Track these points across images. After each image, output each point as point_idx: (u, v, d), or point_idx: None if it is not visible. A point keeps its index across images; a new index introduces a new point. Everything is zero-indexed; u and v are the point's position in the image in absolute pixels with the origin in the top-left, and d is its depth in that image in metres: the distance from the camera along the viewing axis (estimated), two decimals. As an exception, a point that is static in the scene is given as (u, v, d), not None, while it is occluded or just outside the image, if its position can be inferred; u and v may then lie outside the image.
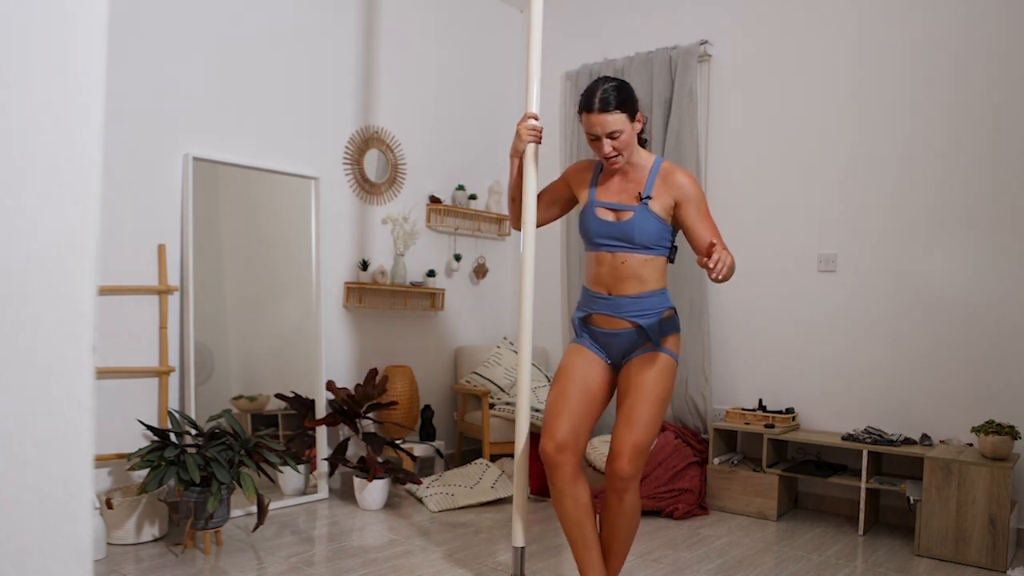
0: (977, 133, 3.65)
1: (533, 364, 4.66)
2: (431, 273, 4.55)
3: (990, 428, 3.28)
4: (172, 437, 3.15)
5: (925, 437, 3.63)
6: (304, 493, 3.78)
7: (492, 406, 4.31)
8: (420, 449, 4.22)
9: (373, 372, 3.87)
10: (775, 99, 4.23)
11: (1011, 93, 3.57)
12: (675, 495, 3.82)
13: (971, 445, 3.57)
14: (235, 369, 3.67)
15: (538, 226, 2.71)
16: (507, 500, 3.91)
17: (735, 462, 3.99)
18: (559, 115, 5.00)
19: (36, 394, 0.80)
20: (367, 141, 4.28)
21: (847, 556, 3.28)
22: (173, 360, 3.43)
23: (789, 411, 4.04)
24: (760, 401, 4.12)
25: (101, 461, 3.19)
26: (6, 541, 0.79)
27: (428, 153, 4.64)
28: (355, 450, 4.18)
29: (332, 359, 4.10)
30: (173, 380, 3.44)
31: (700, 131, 4.41)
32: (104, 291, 3.21)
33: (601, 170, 2.54)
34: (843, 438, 3.71)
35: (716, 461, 3.96)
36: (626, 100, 2.38)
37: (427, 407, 4.37)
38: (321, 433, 3.86)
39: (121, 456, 3.20)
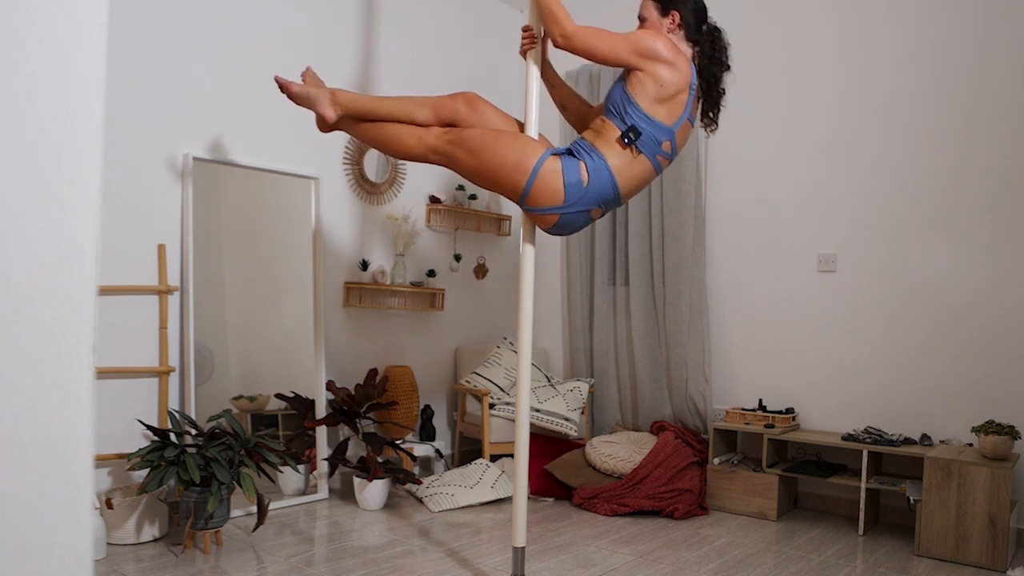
0: (978, 132, 3.65)
1: (533, 364, 4.66)
2: (431, 273, 4.55)
3: (990, 428, 3.28)
4: (172, 437, 3.15)
5: (925, 437, 3.63)
6: (304, 493, 3.78)
7: (492, 406, 4.31)
8: (420, 449, 4.22)
9: (373, 372, 3.87)
10: (775, 99, 4.23)
11: (1012, 92, 3.57)
12: (675, 495, 3.82)
13: (971, 445, 3.57)
14: (235, 369, 3.67)
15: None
16: (507, 500, 3.91)
17: (735, 462, 3.99)
18: (559, 115, 4.99)
19: (36, 394, 0.80)
20: (367, 141, 4.28)
21: (847, 556, 3.28)
22: (173, 360, 3.43)
23: (789, 411, 4.04)
24: (760, 401, 4.12)
25: (101, 461, 3.19)
26: (6, 541, 0.79)
27: (428, 153, 4.64)
28: (355, 450, 4.18)
29: (332, 359, 4.10)
30: (173, 380, 3.44)
31: (699, 131, 4.40)
32: (104, 291, 3.21)
33: None
34: (843, 438, 3.71)
35: (716, 461, 3.96)
36: None
37: (427, 407, 4.38)
38: (321, 433, 3.86)
39: (121, 456, 3.20)
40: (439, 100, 2.72)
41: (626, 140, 2.48)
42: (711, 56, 2.60)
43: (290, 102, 3.88)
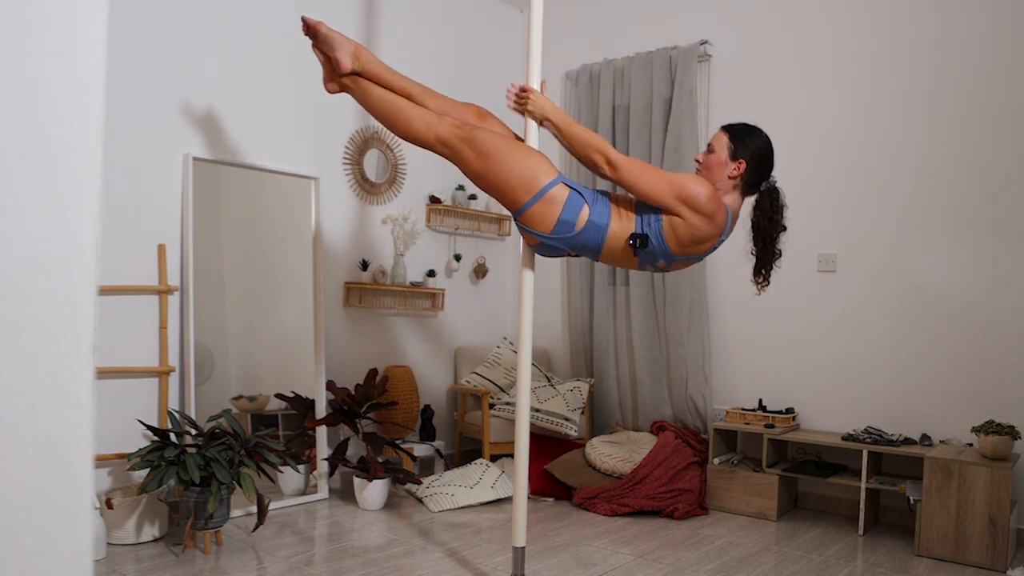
0: (979, 133, 3.65)
1: (533, 364, 4.66)
2: (431, 273, 4.55)
3: (990, 428, 3.28)
4: (172, 437, 3.15)
5: (925, 437, 3.63)
6: (304, 493, 3.78)
7: (492, 406, 4.31)
8: (420, 449, 4.22)
9: (373, 372, 3.87)
10: (775, 99, 4.23)
11: (1013, 92, 3.57)
12: (675, 495, 3.82)
13: (971, 445, 3.57)
14: (235, 369, 3.67)
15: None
16: (507, 500, 3.91)
17: (735, 462, 3.99)
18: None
19: (36, 394, 0.80)
20: (367, 141, 4.28)
21: (847, 556, 3.28)
22: (173, 360, 3.43)
23: (789, 411, 4.04)
24: (760, 401, 4.12)
25: (101, 461, 3.19)
26: (6, 541, 0.79)
27: (428, 153, 4.62)
28: (355, 450, 4.18)
29: (332, 359, 4.10)
30: (173, 380, 3.44)
31: (700, 131, 4.40)
32: (104, 291, 3.21)
33: None
34: (843, 438, 3.71)
35: (716, 461, 3.96)
36: (739, 136, 2.48)
37: (427, 407, 4.37)
38: (321, 433, 3.86)
39: (121, 456, 3.20)
40: (451, 100, 2.71)
41: (630, 242, 2.45)
42: (771, 217, 2.53)
43: (290, 98, 3.90)
